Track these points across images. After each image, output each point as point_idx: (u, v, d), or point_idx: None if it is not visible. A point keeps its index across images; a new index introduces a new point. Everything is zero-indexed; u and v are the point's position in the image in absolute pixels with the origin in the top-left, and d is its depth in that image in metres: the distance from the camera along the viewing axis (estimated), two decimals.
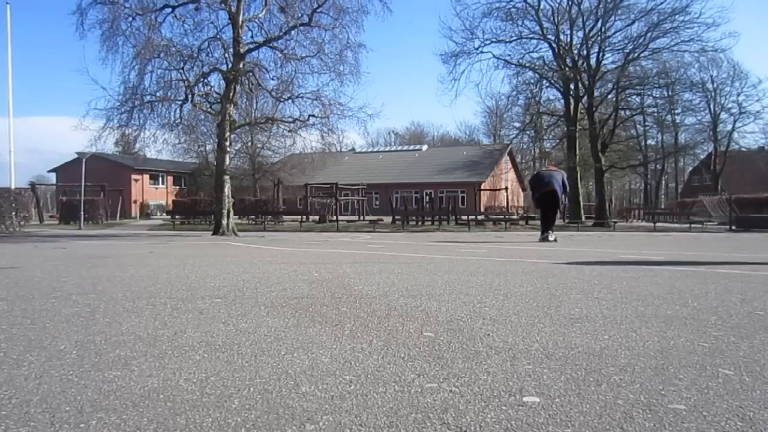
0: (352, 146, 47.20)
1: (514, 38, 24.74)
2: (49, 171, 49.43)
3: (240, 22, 14.49)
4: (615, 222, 22.01)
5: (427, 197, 35.13)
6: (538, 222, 11.68)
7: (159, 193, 47.39)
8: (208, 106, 15.37)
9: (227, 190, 14.82)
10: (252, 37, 15.60)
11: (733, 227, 18.22)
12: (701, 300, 3.13)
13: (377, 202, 38.29)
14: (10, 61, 20.06)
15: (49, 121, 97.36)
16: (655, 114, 30.22)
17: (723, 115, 42.61)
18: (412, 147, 52.39)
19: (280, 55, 15.30)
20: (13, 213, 17.20)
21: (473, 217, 21.68)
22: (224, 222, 14.58)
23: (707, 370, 1.76)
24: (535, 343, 2.12)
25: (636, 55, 23.42)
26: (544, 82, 25.64)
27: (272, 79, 15.73)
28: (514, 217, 23.60)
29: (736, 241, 11.13)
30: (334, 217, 23.05)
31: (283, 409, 1.41)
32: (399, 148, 54.78)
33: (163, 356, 1.94)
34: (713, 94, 41.11)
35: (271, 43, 15.19)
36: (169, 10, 14.55)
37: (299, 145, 19.20)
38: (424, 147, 51.90)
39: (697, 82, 28.55)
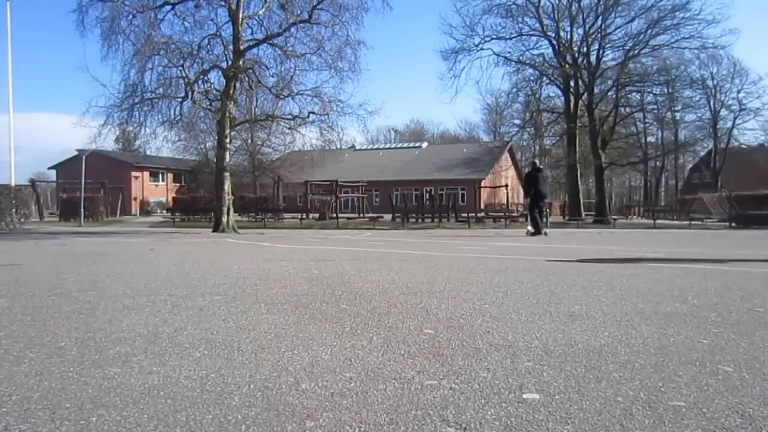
0: (352, 143, 47.14)
1: (515, 35, 24.72)
2: (50, 168, 49.38)
3: (240, 20, 14.46)
4: (615, 219, 21.97)
5: (427, 195, 35.06)
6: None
7: (159, 190, 47.35)
8: (208, 103, 15.36)
9: (227, 187, 14.81)
10: (252, 34, 15.60)
11: (733, 224, 18.21)
12: (701, 297, 3.13)
13: (377, 200, 38.26)
14: (10, 59, 19.95)
15: (49, 118, 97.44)
16: (655, 111, 30.22)
17: (723, 112, 42.61)
18: (412, 144, 52.35)
19: (279, 52, 15.28)
20: (14, 210, 17.18)
21: (473, 214, 21.66)
22: (224, 219, 14.58)
23: (707, 367, 1.76)
24: (535, 340, 2.12)
25: (636, 52, 23.39)
26: (545, 79, 25.62)
27: (272, 76, 15.73)
28: (514, 214, 23.57)
29: (736, 238, 11.12)
30: (334, 215, 23.04)
31: (284, 406, 1.41)
32: (399, 145, 54.69)
33: (164, 353, 1.94)
34: (713, 91, 41.05)
35: (271, 40, 15.17)
36: (168, 7, 14.53)
37: (299, 143, 19.28)
38: (424, 144, 51.87)
39: (697, 79, 28.49)
